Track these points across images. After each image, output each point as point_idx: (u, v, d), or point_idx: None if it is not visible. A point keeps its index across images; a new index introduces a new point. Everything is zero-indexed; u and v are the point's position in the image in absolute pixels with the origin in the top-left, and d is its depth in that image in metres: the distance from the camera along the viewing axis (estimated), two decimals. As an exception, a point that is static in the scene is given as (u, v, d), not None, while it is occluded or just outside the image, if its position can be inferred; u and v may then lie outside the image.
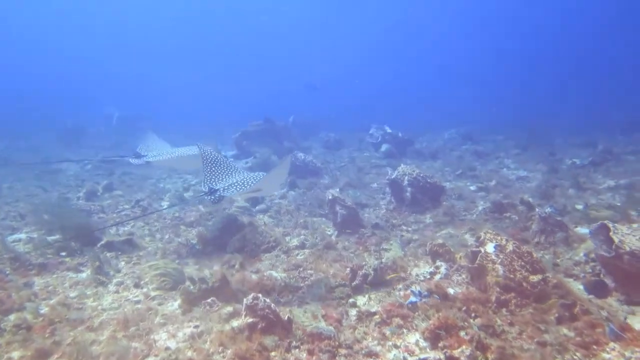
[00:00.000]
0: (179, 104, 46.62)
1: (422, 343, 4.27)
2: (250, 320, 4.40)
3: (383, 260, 6.20)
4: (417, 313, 4.74)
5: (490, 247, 5.26)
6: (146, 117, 29.37)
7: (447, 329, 4.21)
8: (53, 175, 13.83)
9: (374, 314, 4.90)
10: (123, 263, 6.99)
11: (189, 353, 4.26)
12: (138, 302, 5.62)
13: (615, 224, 5.24)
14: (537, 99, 40.41)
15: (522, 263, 5.07)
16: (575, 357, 3.94)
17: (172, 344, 4.47)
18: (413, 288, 5.26)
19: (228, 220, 7.99)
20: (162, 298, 5.71)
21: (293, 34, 78.34)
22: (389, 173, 9.98)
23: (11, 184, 12.65)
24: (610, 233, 5.08)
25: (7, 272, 6.33)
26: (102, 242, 7.48)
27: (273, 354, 4.12)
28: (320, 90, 23.47)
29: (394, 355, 4.17)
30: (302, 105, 32.63)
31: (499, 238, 5.42)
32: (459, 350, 3.94)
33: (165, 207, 10.43)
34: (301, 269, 6.47)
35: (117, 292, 5.97)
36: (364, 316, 4.88)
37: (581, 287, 5.40)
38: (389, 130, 17.44)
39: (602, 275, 5.34)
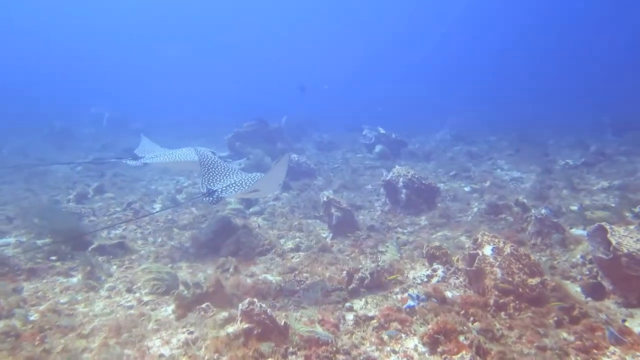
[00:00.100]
0: (171, 104, 46.48)
1: (421, 348, 4.21)
2: (246, 325, 4.30)
3: (379, 263, 6.12)
4: (415, 317, 4.67)
5: (488, 250, 5.21)
6: (137, 118, 29.20)
7: (446, 333, 4.15)
8: (42, 178, 13.60)
9: (372, 318, 4.83)
10: (115, 267, 6.87)
11: (184, 360, 4.17)
12: (131, 307, 5.51)
13: (612, 226, 5.22)
14: (528, 100, 40.70)
15: (520, 266, 5.02)
16: (575, 361, 3.91)
17: (166, 351, 4.38)
18: (411, 292, 5.20)
19: (222, 222, 7.90)
20: (155, 303, 5.60)
21: (287, 35, 78.36)
22: (384, 174, 9.92)
23: (-1, 187, 12.45)
24: (608, 235, 5.05)
25: (-5, 277, 6.19)
26: (94, 246, 7.35)
27: (269, 360, 4.04)
28: (310, 91, 23.41)
29: (393, 360, 4.10)
30: (295, 106, 32.52)
31: (497, 240, 5.38)
32: (459, 355, 3.88)
33: (157, 209, 10.30)
34: (297, 273, 6.39)
35: (109, 297, 5.85)
36: (362, 321, 4.80)
37: (579, 289, 5.37)
38: (382, 131, 17.39)
39: (599, 278, 5.31)
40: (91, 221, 9.25)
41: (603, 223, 5.32)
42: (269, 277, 6.32)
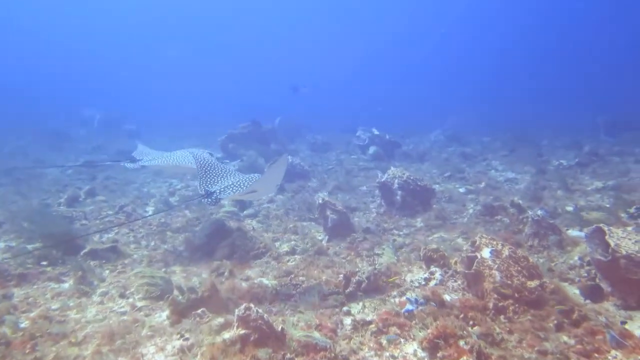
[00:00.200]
0: (170, 104, 46.38)
1: (421, 353, 4.14)
2: (243, 331, 4.21)
3: (376, 266, 6.05)
4: (414, 322, 4.60)
5: (486, 253, 5.16)
6: (131, 119, 28.98)
7: (446, 338, 4.09)
8: (32, 180, 13.41)
9: (370, 323, 4.76)
10: (107, 272, 6.75)
11: (179, 367, 4.09)
12: (124, 313, 5.41)
13: (610, 228, 5.18)
14: (526, 100, 40.86)
15: (519, 268, 4.98)
16: (577, 365, 3.87)
17: (160, 358, 4.30)
18: (409, 295, 5.13)
19: (216, 225, 7.80)
20: (149, 309, 5.50)
21: (287, 35, 78.27)
22: (379, 176, 9.87)
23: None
24: (606, 237, 5.02)
25: (-15, 283, 6.06)
26: (85, 250, 7.23)
27: (267, 367, 3.96)
28: (302, 92, 23.40)
29: (392, 366, 4.04)
30: (295, 106, 32.59)
31: (495, 243, 5.33)
32: (460, 360, 3.82)
33: (150, 212, 10.19)
34: (292, 276, 6.30)
35: (101, 303, 5.74)
36: (360, 325, 4.73)
37: (577, 291, 5.33)
38: (376, 132, 17.35)
39: (597, 280, 5.27)
40: (83, 225, 9.11)
41: (601, 225, 5.29)
42: (265, 280, 6.24)
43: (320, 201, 8.40)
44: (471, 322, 4.49)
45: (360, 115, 31.50)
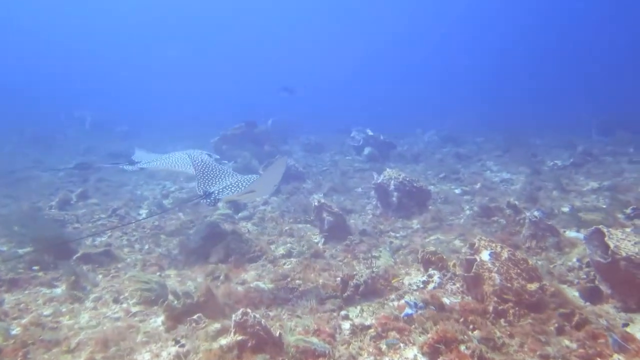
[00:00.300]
0: (170, 105, 46.06)
1: (421, 358, 4.08)
2: (240, 337, 4.14)
3: (374, 269, 5.99)
4: (413, 326, 4.54)
5: (485, 255, 5.11)
6: (124, 121, 28.81)
7: (447, 342, 4.04)
8: (22, 183, 13.22)
9: (369, 327, 4.69)
10: (100, 276, 6.65)
11: (175, 375, 4.00)
12: (118, 319, 5.30)
13: (610, 229, 5.15)
14: (523, 100, 40.95)
15: (519, 271, 4.93)
16: (579, 370, 3.82)
17: (156, 366, 4.20)
18: (408, 299, 5.07)
19: (211, 228, 7.72)
20: (143, 314, 5.40)
21: (287, 35, 78.15)
22: (375, 177, 9.81)
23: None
24: (605, 238, 4.99)
25: (-25, 289, 5.95)
26: (78, 255, 7.10)
27: (265, 373, 3.89)
28: (294, 93, 23.39)
29: (392, 372, 3.98)
30: (287, 106, 32.47)
31: (494, 245, 5.28)
32: (461, 366, 3.76)
33: (143, 215, 10.07)
34: (289, 280, 6.23)
35: (94, 308, 5.64)
36: (358, 330, 4.65)
37: (576, 293, 5.30)
38: (370, 133, 17.28)
39: (597, 282, 5.23)
40: (75, 228, 8.98)
41: (600, 226, 5.25)
42: (261, 284, 6.16)
43: (316, 203, 8.33)
44: (471, 326, 4.43)
45: (361, 115, 31.38)
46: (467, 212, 9.13)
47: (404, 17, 71.63)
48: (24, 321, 5.20)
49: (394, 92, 54.43)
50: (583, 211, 8.39)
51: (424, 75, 67.19)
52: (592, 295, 5.13)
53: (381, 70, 71.46)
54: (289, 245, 7.73)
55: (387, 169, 9.91)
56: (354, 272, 5.81)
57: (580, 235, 7.09)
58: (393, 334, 4.46)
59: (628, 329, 4.35)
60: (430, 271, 5.88)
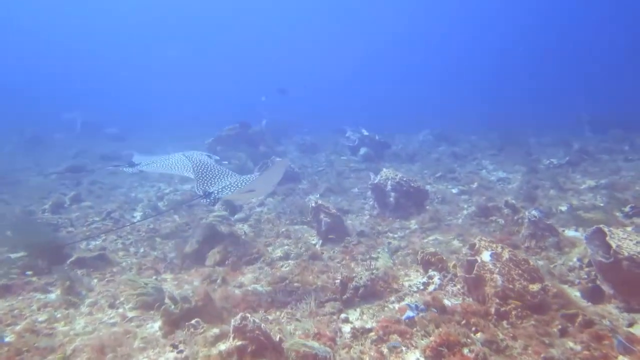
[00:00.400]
0: (170, 105, 45.97)
1: (424, 362, 4.03)
2: (239, 343, 4.06)
3: (373, 271, 5.92)
4: (415, 329, 4.48)
5: (486, 256, 5.06)
6: (114, 122, 28.62)
7: (450, 346, 3.98)
8: (14, 187, 13.04)
9: (370, 330, 4.63)
10: (96, 281, 6.56)
11: (174, 382, 3.92)
12: (114, 324, 5.22)
13: (611, 229, 5.12)
14: (508, 99, 41.03)
15: (520, 271, 4.88)
16: (585, 372, 3.77)
17: (154, 373, 4.12)
18: (409, 301, 5.02)
19: (207, 230, 7.64)
20: (140, 319, 5.32)
21: (287, 35, 77.94)
22: (372, 178, 9.75)
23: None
24: (607, 238, 4.95)
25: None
26: (72, 259, 7.01)
27: (266, 380, 3.82)
28: (286, 93, 23.32)
29: (395, 376, 3.92)
30: (287, 106, 32.42)
31: (494, 246, 5.24)
32: (465, 369, 3.71)
33: (138, 218, 9.96)
34: (287, 282, 6.15)
35: (90, 313, 5.55)
36: (359, 333, 4.60)
37: (578, 294, 5.26)
38: (365, 133, 17.23)
39: (598, 281, 5.20)
40: (69, 232, 8.85)
41: (601, 225, 5.21)
42: (259, 287, 6.07)
43: (313, 204, 8.26)
44: (474, 329, 4.38)
45: (361, 115, 31.20)
46: (465, 211, 9.07)
47: (404, 17, 71.55)
48: (18, 328, 5.11)
49: (394, 92, 54.47)
50: (581, 210, 8.36)
51: (424, 75, 67.27)
52: (594, 295, 5.09)
53: (381, 70, 71.52)
54: (286, 247, 7.66)
55: (384, 169, 9.85)
56: (353, 274, 5.75)
57: (579, 234, 7.07)
58: (394, 337, 4.40)
59: (631, 329, 4.30)
60: (430, 272, 5.82)
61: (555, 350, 3.98)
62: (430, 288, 5.56)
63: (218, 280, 6.34)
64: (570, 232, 7.30)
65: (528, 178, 11.78)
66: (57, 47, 72.25)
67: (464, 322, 4.48)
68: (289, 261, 7.06)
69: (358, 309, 5.23)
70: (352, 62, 70.78)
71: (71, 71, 66.71)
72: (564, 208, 8.76)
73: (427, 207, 9.36)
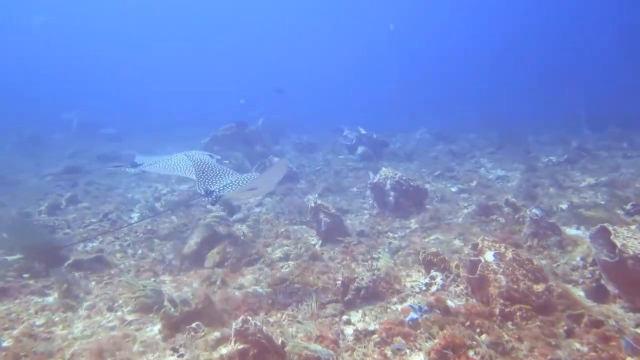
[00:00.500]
0: (170, 105, 45.67)
1: (429, 365, 3.97)
2: (241, 346, 3.99)
3: (375, 271, 5.86)
4: (419, 331, 4.42)
5: (489, 256, 5.01)
6: (112, 123, 28.48)
7: (455, 348, 3.92)
8: (9, 188, 12.92)
9: (373, 332, 4.57)
10: (93, 283, 6.48)
11: (175, 387, 3.86)
12: (113, 328, 5.15)
13: (615, 227, 5.07)
14: (502, 97, 40.96)
15: (524, 271, 4.83)
16: (593, 375, 3.73)
17: (154, 378, 4.05)
18: (412, 303, 4.97)
19: (206, 231, 7.56)
20: (139, 322, 5.25)
21: (287, 35, 77.67)
22: (371, 177, 9.70)
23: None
24: (611, 237, 4.90)
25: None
26: (69, 261, 6.93)
27: (268, 384, 3.75)
28: (284, 93, 23.27)
29: (400, 380, 3.87)
30: (286, 106, 32.36)
31: (497, 245, 5.19)
32: (471, 372, 3.66)
33: (135, 219, 9.87)
34: (287, 283, 6.08)
35: (88, 317, 5.48)
36: (362, 336, 4.53)
37: (582, 293, 5.22)
38: (363, 132, 17.12)
39: (602, 281, 5.15)
40: (65, 234, 8.75)
41: (605, 224, 5.16)
42: (259, 289, 6.00)
43: (312, 204, 8.19)
44: (478, 330, 4.32)
45: (361, 115, 31.11)
46: (465, 210, 9.03)
47: (404, 17, 71.37)
48: (15, 332, 5.03)
49: (393, 91, 54.28)
50: (582, 208, 8.32)
51: (424, 75, 67.07)
52: (599, 295, 5.05)
53: (381, 70, 71.24)
54: (285, 247, 7.58)
55: (383, 168, 9.79)
56: (355, 275, 5.69)
57: (581, 233, 7.03)
58: (398, 339, 4.34)
59: (638, 330, 4.26)
60: (433, 273, 5.75)
61: (561, 351, 3.93)
62: (433, 289, 5.51)
63: (217, 282, 6.27)
64: (571, 231, 7.26)
65: (527, 176, 11.75)
66: (57, 47, 72.00)
67: (468, 323, 4.42)
68: (289, 262, 6.99)
69: (360, 311, 5.17)
70: (352, 62, 70.73)
71: (70, 71, 66.44)
72: (564, 206, 8.72)
73: (427, 206, 9.31)
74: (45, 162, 17.55)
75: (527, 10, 65.25)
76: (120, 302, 5.75)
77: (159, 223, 9.24)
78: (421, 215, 8.78)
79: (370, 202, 9.85)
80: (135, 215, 10.19)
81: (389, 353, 4.19)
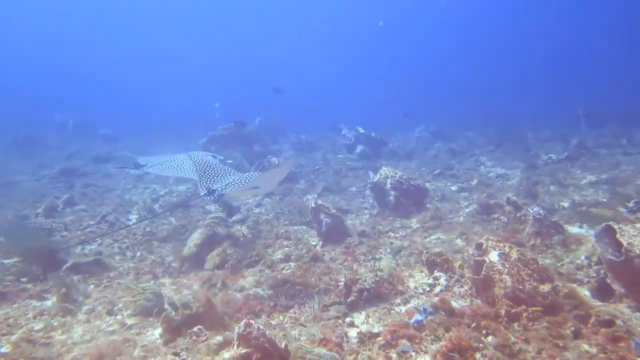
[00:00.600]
0: (170, 105, 45.54)
1: (435, 368, 3.90)
2: (244, 351, 3.91)
3: (378, 272, 5.79)
4: (424, 333, 4.35)
5: (494, 256, 4.95)
6: (107, 123, 28.32)
7: (461, 351, 3.86)
8: (5, 190, 12.79)
9: (377, 335, 4.50)
10: (92, 287, 6.39)
11: (177, 393, 3.79)
12: (113, 332, 5.07)
13: (621, 226, 5.01)
14: (497, 94, 40.95)
15: (529, 272, 4.77)
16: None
17: (156, 383, 3.98)
18: (416, 304, 4.90)
19: (206, 233, 7.49)
20: (139, 326, 5.17)
21: (287, 35, 77.42)
22: (371, 176, 9.64)
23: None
24: (617, 235, 4.84)
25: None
26: (68, 264, 6.84)
27: (272, 390, 3.68)
28: (282, 93, 23.21)
29: (406, 383, 3.81)
30: (285, 106, 32.28)
31: (502, 245, 5.13)
32: (479, 375, 3.59)
33: (133, 220, 9.78)
34: (289, 285, 6.01)
35: (88, 321, 5.39)
36: (366, 338, 4.46)
37: (587, 293, 5.15)
38: (361, 131, 17.05)
39: (608, 280, 5.09)
40: (63, 237, 8.64)
41: (610, 223, 5.10)
42: (260, 291, 5.92)
43: (313, 205, 8.12)
44: (484, 332, 4.25)
45: (361, 114, 31.07)
46: (466, 209, 8.97)
47: (404, 17, 71.27)
48: (13, 337, 4.94)
49: (393, 91, 54.23)
50: (584, 206, 8.26)
51: (423, 74, 67.01)
52: (604, 294, 4.99)
53: (381, 70, 71.13)
54: (286, 248, 7.50)
55: (383, 167, 9.74)
56: (357, 276, 5.62)
57: (584, 231, 6.98)
58: (403, 342, 4.27)
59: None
60: (436, 273, 5.70)
61: (570, 353, 3.87)
62: (437, 289, 5.45)
63: (218, 284, 6.19)
64: (574, 229, 7.20)
65: (527, 174, 11.71)
66: (57, 46, 71.69)
67: (474, 325, 4.35)
68: (290, 263, 6.91)
69: (363, 312, 5.11)
70: (352, 62, 70.71)
71: (69, 71, 66.13)
72: (566, 204, 8.67)
73: (428, 205, 9.25)
74: (41, 164, 17.42)
75: (527, 8, 65.26)
76: (120, 305, 5.68)
77: (158, 225, 9.15)
78: (422, 214, 8.73)
79: (370, 201, 9.79)
80: (133, 217, 10.10)
81: (394, 356, 4.12)
